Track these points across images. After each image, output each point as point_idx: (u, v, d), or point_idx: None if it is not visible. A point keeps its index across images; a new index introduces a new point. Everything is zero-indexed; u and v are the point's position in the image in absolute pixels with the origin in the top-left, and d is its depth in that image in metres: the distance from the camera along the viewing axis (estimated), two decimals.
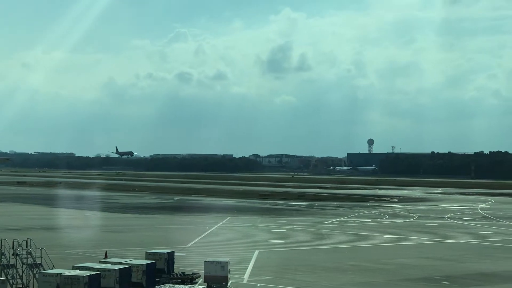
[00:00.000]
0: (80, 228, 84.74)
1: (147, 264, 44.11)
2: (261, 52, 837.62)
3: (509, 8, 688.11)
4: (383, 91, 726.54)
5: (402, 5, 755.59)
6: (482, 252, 67.78)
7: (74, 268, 41.56)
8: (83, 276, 38.07)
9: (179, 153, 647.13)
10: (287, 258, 61.01)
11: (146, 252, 49.11)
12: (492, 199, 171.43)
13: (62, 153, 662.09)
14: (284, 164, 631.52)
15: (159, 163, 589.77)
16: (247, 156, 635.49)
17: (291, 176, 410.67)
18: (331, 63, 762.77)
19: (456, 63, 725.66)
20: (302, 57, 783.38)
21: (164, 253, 48.49)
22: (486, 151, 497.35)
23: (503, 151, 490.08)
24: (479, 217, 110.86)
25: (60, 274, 38.59)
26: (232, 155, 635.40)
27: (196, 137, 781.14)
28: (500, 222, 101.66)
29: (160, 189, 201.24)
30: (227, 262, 46.38)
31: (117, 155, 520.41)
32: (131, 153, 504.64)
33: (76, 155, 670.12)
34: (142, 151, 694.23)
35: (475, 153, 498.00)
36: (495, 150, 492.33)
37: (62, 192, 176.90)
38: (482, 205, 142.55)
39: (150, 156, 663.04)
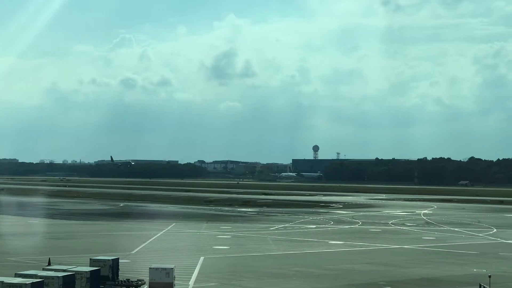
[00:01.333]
0: (23, 235, 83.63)
1: (91, 271, 43.75)
2: (205, 58, 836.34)
3: (449, 17, 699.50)
4: (327, 97, 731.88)
5: (346, 12, 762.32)
6: (424, 257, 68.68)
7: (17, 275, 41.02)
8: (26, 283, 37.59)
9: (124, 159, 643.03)
10: (232, 264, 61.04)
11: (90, 259, 48.71)
12: (435, 205, 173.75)
13: (4, 159, 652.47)
14: (230, 170, 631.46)
15: (104, 169, 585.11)
16: (192, 162, 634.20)
17: (236, 182, 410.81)
18: (275, 69, 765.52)
19: (399, 70, 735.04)
20: (246, 64, 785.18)
21: (109, 259, 48.15)
22: (429, 158, 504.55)
23: (445, 158, 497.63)
24: (422, 223, 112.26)
25: (2, 282, 38.04)
26: (178, 161, 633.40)
27: (141, 143, 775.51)
28: (442, 228, 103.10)
29: (105, 195, 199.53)
30: (172, 268, 46.26)
31: (113, 164, 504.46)
32: (128, 163, 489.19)
33: (19, 161, 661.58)
34: (87, 157, 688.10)
35: (418, 159, 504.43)
36: (437, 157, 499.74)
37: (4, 198, 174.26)
38: (425, 211, 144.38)
39: (94, 162, 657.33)
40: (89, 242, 76.45)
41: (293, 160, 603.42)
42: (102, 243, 75.66)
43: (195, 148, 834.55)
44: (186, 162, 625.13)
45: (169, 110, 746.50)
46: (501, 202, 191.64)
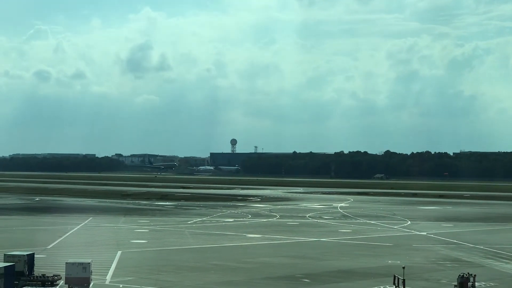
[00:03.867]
0: None
1: (5, 267, 43.00)
2: (121, 52, 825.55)
3: (363, 12, 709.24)
4: (244, 91, 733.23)
5: (262, 6, 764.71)
6: (341, 249, 69.67)
7: None
8: None
9: (39, 153, 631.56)
10: (150, 258, 60.81)
11: (4, 255, 47.88)
12: (351, 198, 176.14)
13: None
14: (148, 164, 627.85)
15: (19, 162, 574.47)
16: (109, 156, 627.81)
17: (154, 176, 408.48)
18: (192, 63, 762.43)
19: (315, 64, 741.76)
20: (162, 57, 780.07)
21: (24, 255, 47.40)
22: (346, 151, 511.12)
23: (361, 151, 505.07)
24: (338, 216, 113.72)
25: None
26: (95, 154, 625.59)
27: (57, 137, 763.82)
28: (358, 220, 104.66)
29: (20, 190, 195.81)
30: (89, 263, 45.84)
31: (153, 167, 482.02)
32: (173, 165, 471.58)
33: None
34: (1, 151, 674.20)
35: (335, 153, 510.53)
36: (354, 150, 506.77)
37: None
38: (342, 204, 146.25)
39: (9, 155, 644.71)
40: (4, 238, 75.03)
41: (211, 153, 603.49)
42: (17, 238, 74.37)
43: (112, 141, 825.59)
44: (103, 156, 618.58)
45: (85, 103, 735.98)
46: (415, 195, 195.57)
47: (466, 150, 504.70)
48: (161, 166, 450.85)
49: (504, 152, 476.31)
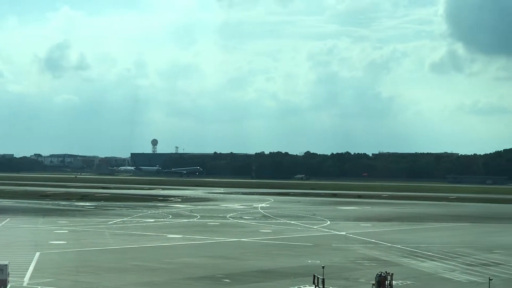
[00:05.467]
0: None
1: None
2: (39, 50, 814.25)
3: (284, 14, 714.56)
4: (165, 91, 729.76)
5: (183, 7, 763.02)
6: (261, 250, 70.09)
7: None
8: None
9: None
10: (69, 259, 60.10)
11: None
12: (271, 198, 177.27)
13: None
14: (67, 164, 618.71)
15: None
16: (28, 156, 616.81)
17: (74, 176, 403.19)
18: (112, 62, 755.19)
19: (237, 65, 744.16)
20: (82, 56, 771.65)
21: None
22: (267, 152, 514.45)
23: (282, 152, 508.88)
24: (259, 216, 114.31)
25: None
26: (13, 154, 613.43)
27: None
28: (278, 221, 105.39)
29: None
30: (6, 265, 45.05)
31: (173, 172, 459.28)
32: (197, 170, 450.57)
33: None
34: None
35: (256, 153, 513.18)
36: (275, 151, 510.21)
37: None
38: (262, 204, 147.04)
39: None
40: None
41: (131, 154, 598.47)
42: None
43: (31, 141, 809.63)
44: (22, 156, 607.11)
45: (2, 102, 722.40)
46: (335, 195, 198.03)
47: (385, 151, 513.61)
48: (183, 171, 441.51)
49: (421, 153, 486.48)
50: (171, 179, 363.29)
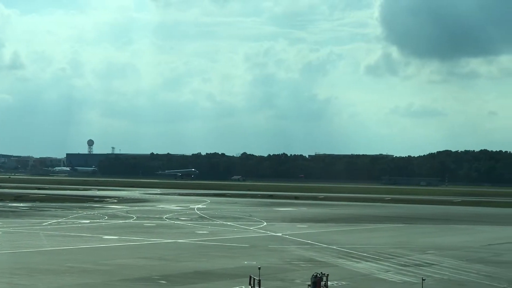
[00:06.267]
0: None
1: None
2: None
3: (221, 15, 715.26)
4: (101, 91, 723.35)
5: (119, 6, 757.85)
6: (198, 251, 70.01)
7: None
8: None
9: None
10: (3, 261, 59.19)
11: None
12: (208, 199, 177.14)
13: None
14: (1, 165, 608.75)
15: None
16: None
17: (8, 176, 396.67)
18: (47, 62, 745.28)
19: (173, 65, 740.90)
20: (15, 55, 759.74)
21: None
22: (203, 153, 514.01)
23: (219, 153, 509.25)
24: (196, 217, 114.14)
25: None
26: None
27: None
28: (215, 222, 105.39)
29: None
30: None
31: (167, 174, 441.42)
32: (192, 172, 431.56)
33: None
34: None
35: (193, 154, 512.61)
36: (211, 152, 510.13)
37: None
38: (199, 206, 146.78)
39: None
40: None
41: (67, 154, 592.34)
42: None
43: None
44: None
45: None
46: (271, 197, 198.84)
47: (321, 152, 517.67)
48: (178, 173, 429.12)
49: (357, 154, 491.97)
50: (107, 179, 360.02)
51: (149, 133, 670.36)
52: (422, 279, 45.07)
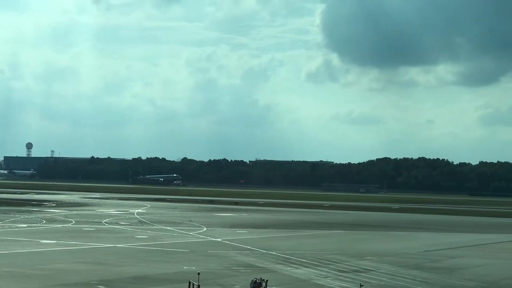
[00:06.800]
0: None
1: None
2: None
3: (163, 19, 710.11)
4: (41, 94, 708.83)
5: (60, 9, 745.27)
6: (137, 255, 69.69)
7: None
8: None
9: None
10: None
11: None
12: (148, 204, 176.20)
13: None
14: None
15: None
16: None
17: None
18: None
19: (115, 69, 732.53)
20: None
21: None
22: (144, 157, 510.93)
23: (160, 158, 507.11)
24: (135, 222, 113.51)
25: None
26: None
27: None
28: (155, 227, 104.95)
29: None
30: None
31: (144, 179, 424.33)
32: (175, 178, 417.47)
33: None
34: None
35: (133, 158, 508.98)
36: (152, 156, 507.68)
37: None
38: (139, 210, 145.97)
39: None
40: None
41: (5, 157, 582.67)
42: None
43: None
44: None
45: None
46: (211, 202, 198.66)
47: (262, 158, 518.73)
48: (160, 179, 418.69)
49: (297, 161, 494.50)
50: (45, 183, 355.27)
51: (89, 137, 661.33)
52: (360, 285, 45.59)
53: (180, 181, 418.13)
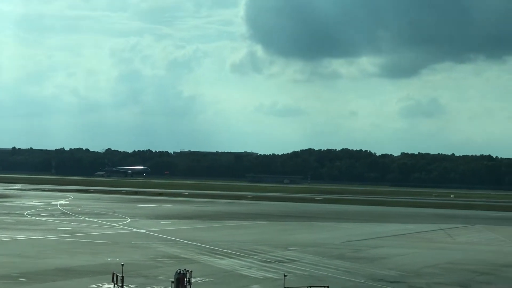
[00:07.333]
0: None
1: None
2: None
3: (86, 9, 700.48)
4: None
5: None
6: (60, 247, 68.85)
7: None
8: None
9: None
10: None
11: None
12: (71, 195, 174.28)
13: None
14: None
15: None
16: None
17: None
18: None
19: (37, 59, 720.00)
20: None
21: None
22: (67, 148, 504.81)
23: (83, 148, 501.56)
24: (58, 213, 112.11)
25: None
26: None
27: None
28: (78, 218, 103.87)
29: None
30: None
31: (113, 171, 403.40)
32: (144, 171, 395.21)
33: None
34: None
35: (56, 149, 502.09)
36: (75, 147, 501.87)
37: None
38: (62, 201, 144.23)
39: None
40: None
41: None
42: None
43: None
44: None
45: None
46: (136, 193, 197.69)
47: (186, 149, 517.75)
48: (128, 171, 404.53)
49: (222, 152, 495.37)
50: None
51: (11, 127, 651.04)
52: (284, 275, 45.98)
53: (146, 173, 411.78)
